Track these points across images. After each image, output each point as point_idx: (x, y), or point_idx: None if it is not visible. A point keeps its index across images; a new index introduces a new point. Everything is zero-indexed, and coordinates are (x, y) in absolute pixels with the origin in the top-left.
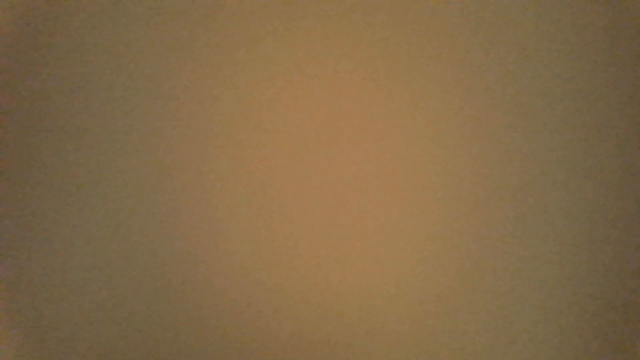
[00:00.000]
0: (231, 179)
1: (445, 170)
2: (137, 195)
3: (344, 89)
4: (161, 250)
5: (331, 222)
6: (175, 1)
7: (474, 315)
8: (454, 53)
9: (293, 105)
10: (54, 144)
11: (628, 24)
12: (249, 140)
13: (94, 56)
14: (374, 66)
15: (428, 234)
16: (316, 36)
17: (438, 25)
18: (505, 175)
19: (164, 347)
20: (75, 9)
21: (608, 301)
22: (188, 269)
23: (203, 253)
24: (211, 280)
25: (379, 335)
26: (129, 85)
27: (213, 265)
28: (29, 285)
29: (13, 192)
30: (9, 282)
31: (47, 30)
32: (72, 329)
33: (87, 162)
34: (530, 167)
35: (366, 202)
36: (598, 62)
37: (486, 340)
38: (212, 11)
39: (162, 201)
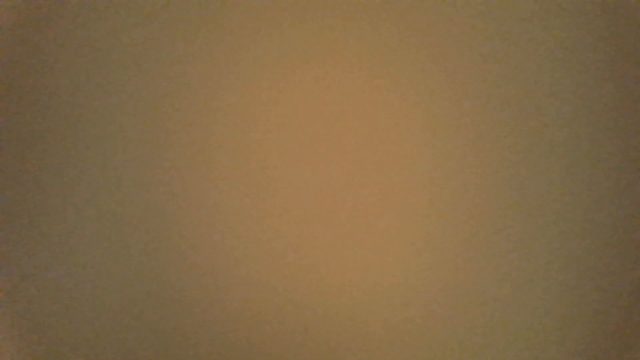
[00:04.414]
0: (231, 180)
1: (447, 171)
2: (137, 195)
3: (345, 90)
4: (162, 250)
5: (332, 223)
6: (175, 1)
7: (474, 316)
8: (454, 53)
9: (294, 105)
10: (53, 144)
11: (628, 24)
12: (250, 140)
13: (94, 55)
14: (375, 66)
15: (429, 234)
16: (316, 36)
17: (438, 25)
18: (505, 175)
19: (164, 347)
20: (75, 8)
21: (608, 302)
22: (189, 268)
23: (203, 253)
24: (211, 280)
25: (379, 336)
26: (129, 84)
27: (213, 266)
28: (29, 285)
29: (13, 192)
30: (9, 282)
31: (47, 29)
32: (73, 329)
33: (87, 162)
34: (531, 167)
35: (367, 202)
36: (598, 62)
37: (487, 340)
38: (212, 10)
39: (163, 201)
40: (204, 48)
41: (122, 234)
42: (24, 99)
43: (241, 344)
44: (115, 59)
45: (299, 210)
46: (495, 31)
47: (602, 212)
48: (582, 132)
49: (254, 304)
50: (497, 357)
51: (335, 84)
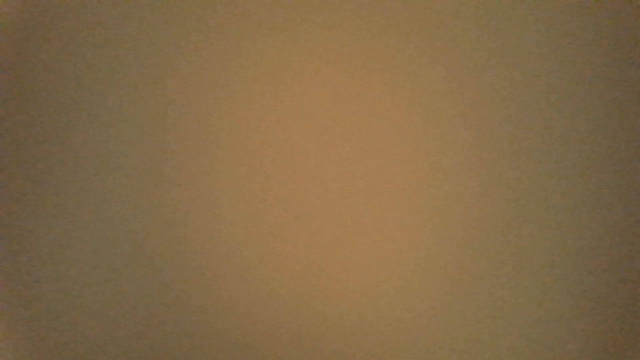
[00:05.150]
0: (231, 180)
1: (447, 170)
2: (137, 195)
3: (345, 90)
4: (162, 251)
5: (332, 222)
6: (175, 1)
7: (474, 316)
8: (454, 53)
9: (294, 105)
10: (54, 144)
11: (628, 24)
12: (250, 140)
13: (93, 56)
14: (375, 66)
15: (429, 234)
16: (316, 36)
17: (437, 25)
18: (506, 175)
19: (164, 347)
20: (74, 8)
21: (608, 302)
22: (189, 269)
23: (204, 254)
24: (212, 280)
25: (379, 335)
26: (129, 84)
27: (213, 266)
28: (29, 285)
29: (13, 192)
30: (9, 282)
31: (47, 29)
32: (72, 329)
33: (88, 161)
34: (530, 166)
35: (367, 202)
36: (598, 62)
37: (487, 340)
38: (213, 10)
39: (163, 201)
40: (204, 48)
41: (123, 234)
42: (24, 99)
43: (242, 344)
44: (114, 58)
45: (299, 209)
46: (495, 31)
47: (603, 211)
48: (582, 131)
49: (255, 305)
50: (497, 357)
51: (336, 83)
